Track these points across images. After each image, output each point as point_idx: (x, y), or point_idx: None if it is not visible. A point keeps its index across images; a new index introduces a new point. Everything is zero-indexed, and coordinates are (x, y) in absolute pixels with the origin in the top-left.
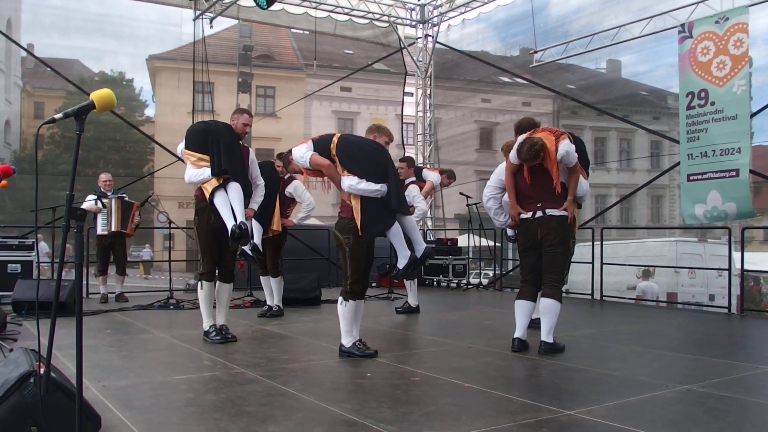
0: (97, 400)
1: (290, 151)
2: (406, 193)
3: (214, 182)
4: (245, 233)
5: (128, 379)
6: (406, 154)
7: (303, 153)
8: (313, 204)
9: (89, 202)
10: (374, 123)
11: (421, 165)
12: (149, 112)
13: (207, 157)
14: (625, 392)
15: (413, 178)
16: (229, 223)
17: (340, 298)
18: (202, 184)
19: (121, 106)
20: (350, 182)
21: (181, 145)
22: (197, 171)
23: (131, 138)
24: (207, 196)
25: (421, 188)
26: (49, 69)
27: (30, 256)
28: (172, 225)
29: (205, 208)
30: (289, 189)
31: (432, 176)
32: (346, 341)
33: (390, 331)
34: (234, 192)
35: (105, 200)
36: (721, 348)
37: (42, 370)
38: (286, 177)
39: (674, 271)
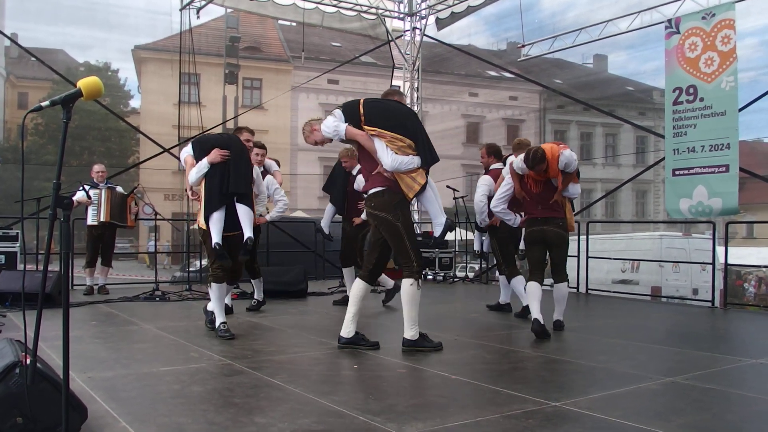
0: (82, 391)
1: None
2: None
3: (423, 174)
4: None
5: (114, 370)
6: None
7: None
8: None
9: (80, 193)
10: None
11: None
12: (134, 103)
13: (413, 144)
14: (611, 384)
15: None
16: (442, 218)
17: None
18: (408, 174)
19: (107, 97)
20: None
21: (335, 121)
22: (406, 159)
23: (116, 129)
24: (415, 188)
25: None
26: (33, 58)
27: (14, 247)
28: (158, 217)
29: (404, 200)
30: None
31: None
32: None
33: (375, 323)
34: (433, 185)
35: (94, 191)
36: (704, 341)
37: (28, 361)
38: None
39: (659, 265)
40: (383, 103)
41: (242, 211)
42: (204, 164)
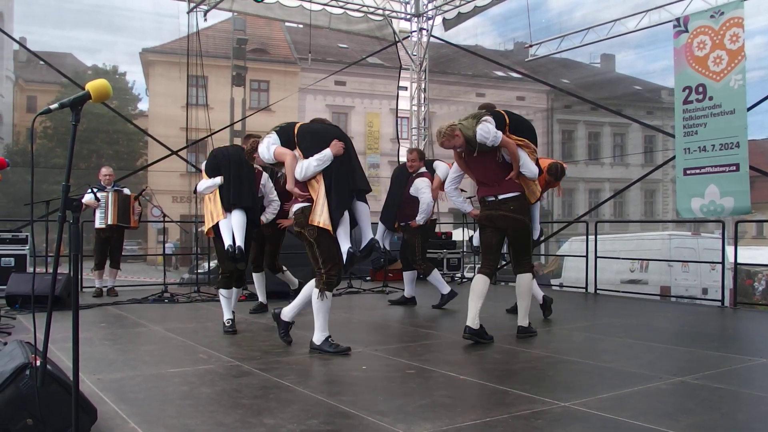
0: (92, 393)
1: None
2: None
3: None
4: None
5: (123, 371)
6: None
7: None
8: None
9: (89, 195)
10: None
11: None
12: (142, 106)
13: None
14: (620, 384)
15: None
16: (538, 225)
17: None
18: (533, 182)
19: (114, 100)
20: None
21: (494, 128)
22: (537, 169)
23: (124, 131)
24: (537, 195)
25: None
26: (42, 62)
27: (24, 249)
28: (166, 219)
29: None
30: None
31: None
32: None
33: (384, 323)
34: None
35: (102, 194)
36: (714, 341)
37: (38, 363)
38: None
39: (668, 265)
40: (519, 115)
41: (364, 210)
42: (329, 156)
